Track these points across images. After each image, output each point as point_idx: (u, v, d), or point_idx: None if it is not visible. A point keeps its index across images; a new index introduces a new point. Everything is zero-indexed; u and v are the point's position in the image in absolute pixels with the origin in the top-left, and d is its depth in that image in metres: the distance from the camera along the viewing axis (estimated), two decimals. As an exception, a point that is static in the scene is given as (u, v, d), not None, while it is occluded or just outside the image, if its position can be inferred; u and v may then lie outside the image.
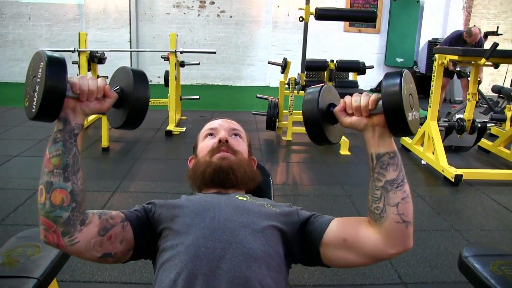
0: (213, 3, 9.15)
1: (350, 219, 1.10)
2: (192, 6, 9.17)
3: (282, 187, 3.79)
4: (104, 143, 4.78)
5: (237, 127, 1.42)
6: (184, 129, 5.57)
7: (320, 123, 1.04)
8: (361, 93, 1.02)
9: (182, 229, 1.06)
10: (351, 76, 6.01)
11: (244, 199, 1.18)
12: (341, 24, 9.13)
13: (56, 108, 0.94)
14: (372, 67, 6.12)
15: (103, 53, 6.08)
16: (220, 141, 1.31)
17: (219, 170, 1.25)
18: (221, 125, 1.39)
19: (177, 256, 1.01)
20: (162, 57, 6.03)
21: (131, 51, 9.03)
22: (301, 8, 4.80)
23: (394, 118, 0.95)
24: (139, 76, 1.06)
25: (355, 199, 3.51)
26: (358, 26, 9.29)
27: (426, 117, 4.48)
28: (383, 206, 0.99)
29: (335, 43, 9.22)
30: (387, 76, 0.98)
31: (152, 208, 1.16)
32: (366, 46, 9.39)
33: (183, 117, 6.30)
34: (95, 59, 5.94)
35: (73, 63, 5.87)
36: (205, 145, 1.35)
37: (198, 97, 6.36)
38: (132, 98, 1.03)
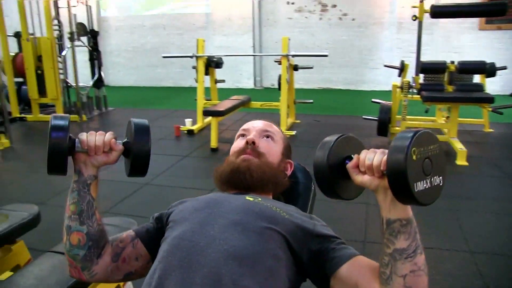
0: (335, 6, 9.00)
1: (371, 265, 1.00)
2: (314, 10, 9.13)
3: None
4: (213, 143, 4.98)
5: (270, 129, 1.37)
6: (294, 132, 5.55)
7: (328, 177, 1.01)
8: (380, 149, 0.95)
9: (178, 222, 1.12)
10: (477, 79, 5.44)
11: (252, 199, 1.15)
12: (475, 21, 8.30)
13: (60, 165, 1.07)
14: (505, 68, 5.47)
15: (220, 58, 6.34)
16: (247, 142, 1.29)
17: (236, 171, 1.24)
18: (253, 127, 1.37)
19: (164, 247, 1.06)
20: (275, 61, 6.07)
21: (249, 55, 9.28)
22: (414, 6, 4.47)
23: (397, 187, 0.87)
24: (140, 129, 1.13)
25: (461, 214, 3.16)
26: (498, 22, 8.30)
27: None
28: (389, 273, 0.92)
29: (468, 43, 8.42)
30: (396, 137, 0.90)
31: (171, 209, 1.22)
32: (508, 45, 8.40)
33: (296, 121, 6.28)
34: (212, 63, 6.21)
35: (193, 67, 6.22)
36: (235, 146, 1.35)
37: (311, 101, 6.30)
38: (134, 151, 1.12)
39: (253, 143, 1.29)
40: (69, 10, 6.53)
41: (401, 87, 4.84)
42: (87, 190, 1.12)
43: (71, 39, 6.50)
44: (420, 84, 4.97)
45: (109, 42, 10.51)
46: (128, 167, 1.16)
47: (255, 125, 1.37)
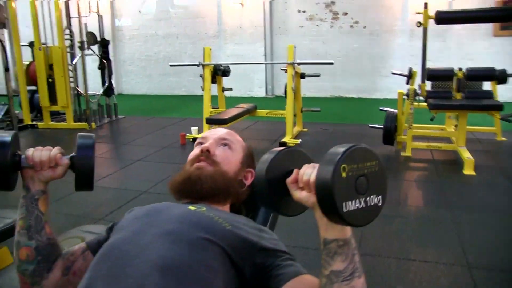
0: (346, 14, 8.94)
1: (315, 285, 0.94)
2: (325, 18, 9.08)
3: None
4: (217, 152, 4.95)
5: (229, 137, 1.32)
6: (299, 141, 5.49)
7: (266, 192, 0.97)
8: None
9: (116, 230, 1.11)
10: (487, 86, 5.30)
11: (194, 208, 1.11)
12: (489, 27, 8.14)
13: (2, 181, 1.08)
14: (516, 74, 5.32)
15: (228, 66, 6.33)
16: (202, 150, 1.26)
17: (187, 180, 1.22)
18: (211, 135, 1.33)
19: (96, 255, 1.04)
20: (281, 69, 6.04)
21: (257, 63, 9.25)
22: (418, 13, 4.38)
23: (324, 206, 0.83)
24: (83, 145, 1.14)
25: (463, 227, 3.05)
26: (513, 29, 8.14)
27: None
28: None
29: (482, 50, 8.25)
30: (328, 152, 0.85)
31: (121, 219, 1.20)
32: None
33: (304, 129, 6.23)
34: (219, 72, 6.21)
35: (200, 76, 6.22)
36: (191, 154, 1.31)
37: (319, 109, 6.24)
38: (77, 166, 1.13)
39: (208, 151, 1.25)
40: (79, 20, 6.61)
41: (407, 95, 4.74)
42: (35, 205, 1.12)
43: (81, 48, 6.58)
44: (427, 91, 4.86)
45: (123, 51, 10.64)
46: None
47: (213, 133, 1.34)
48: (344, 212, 0.80)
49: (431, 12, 4.43)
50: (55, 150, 1.13)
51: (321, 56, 8.94)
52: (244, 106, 6.03)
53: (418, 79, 5.11)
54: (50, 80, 6.59)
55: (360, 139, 5.61)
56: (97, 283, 0.93)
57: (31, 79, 6.84)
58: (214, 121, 5.09)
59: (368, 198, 0.83)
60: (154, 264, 0.93)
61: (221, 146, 1.29)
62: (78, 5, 6.52)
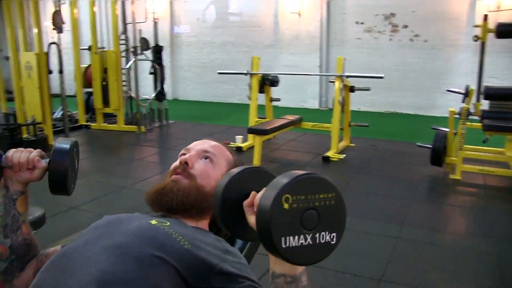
0: (406, 26, 8.59)
1: None
2: (384, 31, 8.78)
3: (417, 231, 3.23)
4: (256, 162, 4.88)
5: (212, 150, 1.24)
6: (343, 156, 5.29)
7: (221, 213, 0.94)
8: None
9: (77, 237, 1.10)
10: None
11: (155, 223, 1.06)
12: None
13: None
14: None
15: (276, 76, 6.26)
16: (180, 162, 1.21)
17: (160, 192, 1.17)
18: (194, 146, 1.26)
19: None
20: (330, 81, 5.87)
21: (307, 74, 9.02)
22: (476, 26, 4.08)
23: (262, 238, 0.76)
24: (58, 149, 1.14)
25: (507, 263, 2.76)
26: None
27: None
28: None
29: None
30: (274, 179, 0.79)
31: None
32: None
33: (351, 144, 6.01)
34: (267, 81, 6.14)
35: (248, 85, 6.18)
36: (172, 165, 1.26)
37: (367, 124, 6.00)
38: (50, 169, 1.12)
39: (186, 163, 1.19)
40: (134, 26, 6.79)
41: (459, 114, 4.44)
42: (12, 205, 1.14)
43: (135, 53, 6.76)
44: (483, 111, 4.53)
45: (181, 57, 10.86)
46: None
47: (197, 145, 1.26)
48: (283, 248, 0.73)
49: (492, 25, 4.12)
50: (34, 153, 1.14)
51: (377, 70, 8.59)
52: (290, 117, 5.91)
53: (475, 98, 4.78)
54: (104, 83, 6.82)
55: (407, 158, 5.33)
56: None
57: (88, 81, 7.12)
58: (255, 131, 5.02)
59: (317, 235, 0.75)
60: (92, 278, 0.89)
61: (202, 159, 1.22)
62: (133, 11, 6.69)
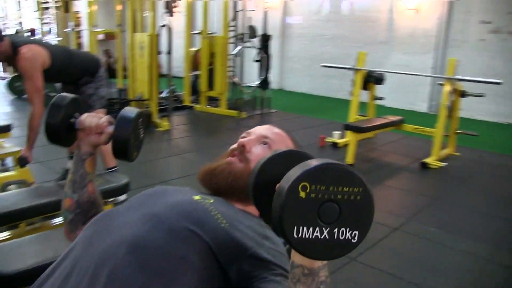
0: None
1: None
2: (515, 32, 7.96)
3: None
4: (349, 159, 4.74)
5: (273, 137, 1.23)
6: (443, 164, 4.92)
7: (251, 194, 0.90)
8: None
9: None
10: None
11: (198, 198, 1.08)
12: None
13: (53, 136, 1.21)
14: None
15: (381, 74, 6.01)
16: (238, 145, 1.22)
17: (211, 171, 1.19)
18: (256, 130, 1.27)
19: None
20: (439, 84, 5.49)
21: (416, 74, 8.44)
22: None
23: (275, 226, 0.73)
24: (123, 117, 1.18)
25: None
26: None
27: None
28: None
29: None
30: (300, 164, 0.74)
31: None
32: None
33: (455, 153, 5.57)
34: (372, 78, 5.92)
35: (352, 80, 6.01)
36: (231, 146, 1.27)
37: (476, 133, 5.52)
38: (114, 135, 1.18)
39: (243, 146, 1.19)
40: (243, 14, 6.91)
41: None
42: (81, 164, 1.22)
43: (242, 40, 6.89)
44: None
45: (290, 48, 10.86)
46: None
47: (258, 129, 1.27)
48: (294, 238, 0.69)
49: None
50: (103, 119, 1.21)
51: (501, 76, 7.87)
52: (391, 118, 5.64)
53: None
54: (210, 67, 7.07)
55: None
56: (78, 244, 1.00)
57: (196, 65, 7.43)
58: (351, 128, 4.86)
59: (335, 230, 0.70)
60: (125, 240, 0.94)
61: (260, 144, 1.21)
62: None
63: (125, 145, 1.17)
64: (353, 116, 5.74)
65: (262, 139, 1.21)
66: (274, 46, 10.08)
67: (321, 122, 7.12)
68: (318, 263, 0.77)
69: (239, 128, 6.44)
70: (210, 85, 7.16)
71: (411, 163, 5.08)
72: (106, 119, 1.21)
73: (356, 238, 0.71)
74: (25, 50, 2.82)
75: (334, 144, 5.53)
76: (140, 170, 4.06)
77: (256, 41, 7.23)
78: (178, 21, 9.61)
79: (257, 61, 7.36)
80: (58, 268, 0.97)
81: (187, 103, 7.54)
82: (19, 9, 9.82)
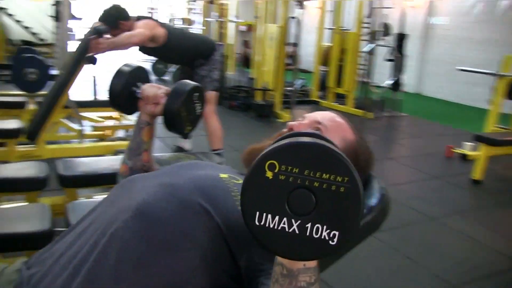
0: None
1: None
2: None
3: None
4: (476, 175, 4.27)
5: (326, 123, 1.13)
6: None
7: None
8: None
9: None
10: None
11: (224, 176, 1.04)
12: None
13: (114, 101, 1.27)
14: None
15: (531, 82, 5.29)
16: (288, 128, 1.16)
17: (251, 152, 1.14)
18: (313, 115, 1.18)
19: None
20: None
21: None
22: None
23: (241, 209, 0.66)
24: (175, 90, 1.20)
25: None
26: None
27: None
28: None
29: None
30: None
31: None
32: None
33: None
34: (518, 87, 5.27)
35: (493, 87, 5.41)
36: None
37: None
38: (165, 107, 1.19)
39: (291, 129, 1.13)
40: (378, 11, 6.61)
41: None
42: (138, 132, 1.26)
43: (374, 37, 6.62)
44: None
45: (432, 51, 10.16)
46: None
47: (316, 114, 1.19)
48: (256, 225, 0.59)
49: None
50: (161, 90, 1.23)
51: None
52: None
53: None
54: (340, 63, 6.92)
55: None
56: (102, 203, 1.02)
57: (327, 60, 7.33)
58: (482, 139, 4.36)
59: (308, 225, 0.57)
60: (134, 205, 0.92)
61: (312, 129, 1.11)
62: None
63: (174, 116, 1.18)
64: (490, 127, 5.16)
65: (315, 124, 1.13)
66: (413, 47, 9.54)
67: (454, 132, 6.55)
68: (298, 265, 0.66)
69: (363, 128, 6.21)
70: (339, 82, 7.01)
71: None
72: (164, 90, 1.22)
73: (335, 240, 0.57)
74: (141, 23, 3.05)
75: (463, 156, 5.04)
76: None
77: (390, 40, 6.89)
78: (310, 15, 9.58)
79: (389, 60, 7.01)
80: (81, 223, 0.99)
81: (314, 97, 7.52)
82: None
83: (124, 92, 1.25)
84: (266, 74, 6.22)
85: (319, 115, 1.16)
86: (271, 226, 0.58)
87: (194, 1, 10.55)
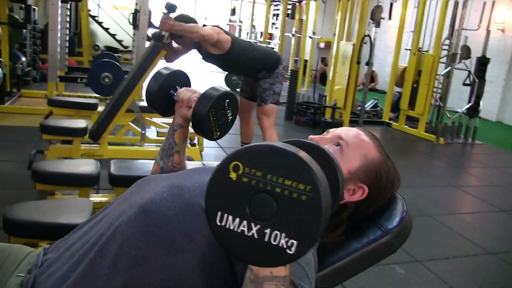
0: None
1: None
2: None
3: None
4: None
5: (348, 139, 1.11)
6: None
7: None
8: None
9: None
10: None
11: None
12: None
13: (152, 103, 1.29)
14: None
15: None
16: None
17: None
18: (337, 130, 1.16)
19: None
20: None
21: None
22: None
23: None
24: (204, 95, 1.19)
25: None
26: None
27: None
28: None
29: None
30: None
31: None
32: None
33: None
34: None
35: None
36: None
37: None
38: (193, 111, 1.20)
39: None
40: (459, 32, 6.36)
41: None
42: (171, 134, 1.30)
43: (452, 60, 6.40)
44: None
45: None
46: None
47: (340, 129, 1.16)
48: (217, 225, 0.60)
49: None
50: (195, 95, 1.23)
51: None
52: None
53: None
54: (415, 85, 6.74)
55: None
56: (116, 200, 1.08)
57: (402, 82, 7.17)
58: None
59: (267, 231, 0.58)
60: (140, 202, 0.97)
61: (333, 145, 1.11)
62: (462, 16, 6.27)
63: (200, 120, 1.17)
64: None
65: (337, 139, 1.11)
66: (498, 72, 9.05)
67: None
68: (264, 271, 0.65)
69: (431, 153, 6.01)
70: (412, 104, 6.83)
71: None
72: (198, 94, 1.22)
73: (293, 249, 0.57)
74: (207, 27, 3.15)
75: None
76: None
77: (468, 63, 6.62)
78: (391, 34, 9.40)
79: (466, 84, 6.73)
80: (97, 217, 1.05)
81: (385, 118, 7.37)
82: (253, 15, 10.90)
83: (160, 93, 1.27)
84: (338, 91, 6.23)
85: (343, 131, 1.14)
86: (231, 227, 0.59)
87: (277, 16, 10.76)
